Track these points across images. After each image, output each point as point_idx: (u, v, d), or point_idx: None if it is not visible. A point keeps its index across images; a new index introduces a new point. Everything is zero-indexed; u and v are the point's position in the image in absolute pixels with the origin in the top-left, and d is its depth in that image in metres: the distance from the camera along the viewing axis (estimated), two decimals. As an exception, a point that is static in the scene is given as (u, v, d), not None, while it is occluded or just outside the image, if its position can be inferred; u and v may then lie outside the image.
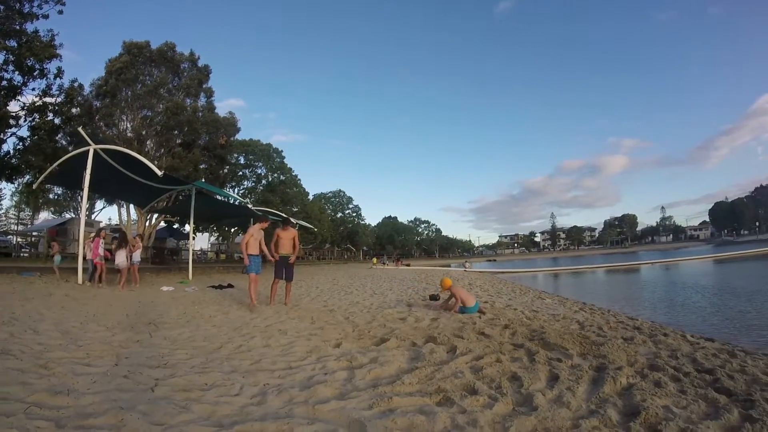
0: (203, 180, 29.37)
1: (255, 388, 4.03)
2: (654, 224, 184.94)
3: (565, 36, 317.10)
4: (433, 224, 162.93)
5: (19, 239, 32.81)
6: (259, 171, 54.92)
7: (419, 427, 3.14)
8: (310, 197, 72.19)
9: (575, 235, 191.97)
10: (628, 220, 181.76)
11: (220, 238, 57.59)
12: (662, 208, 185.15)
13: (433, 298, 11.85)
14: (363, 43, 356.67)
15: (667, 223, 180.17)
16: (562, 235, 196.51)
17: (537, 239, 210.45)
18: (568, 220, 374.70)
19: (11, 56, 21.94)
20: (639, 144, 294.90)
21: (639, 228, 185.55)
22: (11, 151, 24.56)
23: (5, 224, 57.08)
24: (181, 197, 24.51)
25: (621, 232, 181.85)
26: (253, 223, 10.40)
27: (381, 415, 3.37)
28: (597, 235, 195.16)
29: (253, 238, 10.14)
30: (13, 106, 23.64)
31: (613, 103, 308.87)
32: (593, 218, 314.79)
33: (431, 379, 4.30)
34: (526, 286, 20.98)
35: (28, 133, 24.83)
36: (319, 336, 6.59)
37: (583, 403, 3.66)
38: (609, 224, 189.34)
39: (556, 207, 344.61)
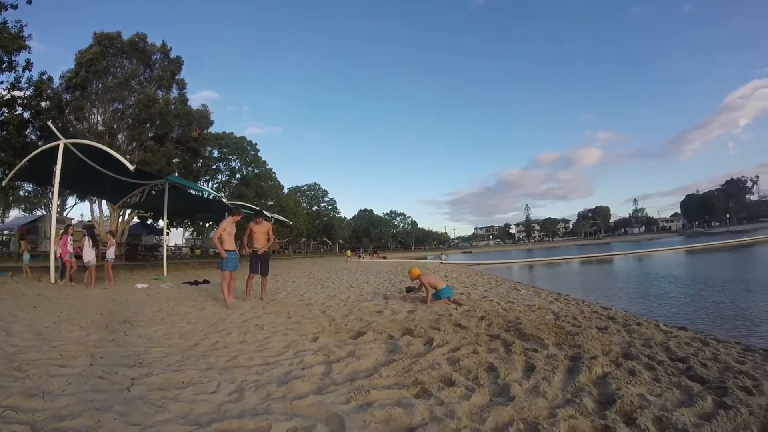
0: (176, 174, 29.05)
1: (232, 385, 4.01)
2: (627, 216, 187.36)
3: (542, 29, 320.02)
4: (409, 217, 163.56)
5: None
6: (234, 164, 54.35)
7: (397, 420, 3.15)
8: (285, 191, 71.85)
9: (550, 226, 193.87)
10: (602, 212, 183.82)
11: (195, 233, 57.07)
12: (635, 200, 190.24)
13: (409, 290, 11.87)
14: (338, 35, 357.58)
15: (640, 214, 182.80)
16: (537, 227, 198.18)
17: (512, 231, 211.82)
18: (542, 211, 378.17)
19: None
20: (614, 137, 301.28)
21: (612, 219, 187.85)
22: (-22, 147, 23.91)
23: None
24: (154, 192, 24.22)
25: (594, 223, 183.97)
26: (227, 217, 10.12)
27: (359, 409, 3.38)
28: (571, 226, 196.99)
29: (226, 233, 9.91)
30: None
31: (590, 96, 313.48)
32: (567, 210, 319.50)
33: (408, 371, 4.32)
34: (502, 278, 21.15)
35: None
36: (296, 330, 6.56)
37: (559, 392, 3.72)
38: (583, 216, 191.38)
39: (531, 199, 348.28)
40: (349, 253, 65.41)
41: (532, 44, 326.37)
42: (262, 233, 10.53)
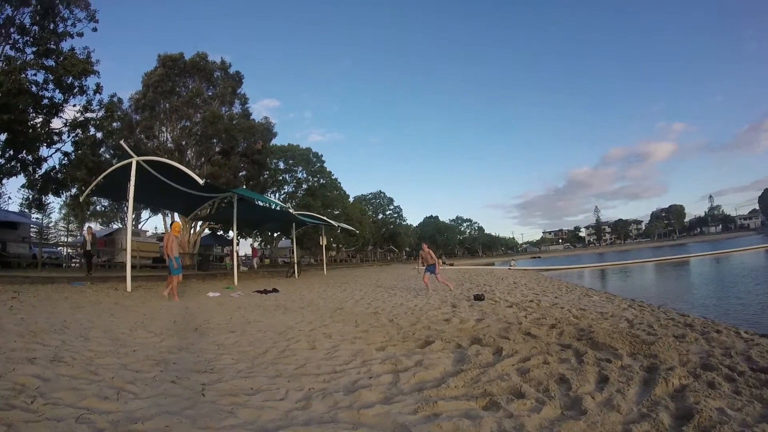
0: (244, 186, 29.81)
1: (300, 393, 4.04)
2: (702, 214, 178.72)
3: (605, 17, 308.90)
4: (476, 222, 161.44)
5: (69, 250, 33.80)
6: (299, 175, 55.35)
7: (465, 432, 3.10)
8: (351, 199, 72.49)
9: (621, 228, 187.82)
10: (676, 211, 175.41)
11: (263, 243, 58.23)
12: (710, 197, 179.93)
13: (478, 298, 11.75)
14: (399, 35, 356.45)
15: (716, 212, 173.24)
16: (608, 229, 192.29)
17: (582, 234, 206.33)
18: (613, 212, 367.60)
19: (50, 75, 22.70)
20: (686, 128, 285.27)
21: (686, 219, 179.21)
22: (57, 166, 25.43)
23: (55, 236, 58.86)
24: (223, 204, 24.94)
25: (668, 224, 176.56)
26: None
27: (426, 420, 3.33)
28: (643, 227, 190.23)
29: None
30: (56, 123, 24.51)
31: (658, 84, 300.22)
32: (639, 210, 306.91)
33: (477, 382, 4.24)
34: (572, 284, 20.64)
35: (71, 148, 25.65)
36: (364, 339, 6.58)
37: (634, 406, 3.55)
38: (656, 216, 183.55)
39: (601, 199, 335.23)
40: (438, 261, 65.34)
41: (594, 33, 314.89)
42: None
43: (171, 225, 13.19)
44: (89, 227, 22.33)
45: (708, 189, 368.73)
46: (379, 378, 4.50)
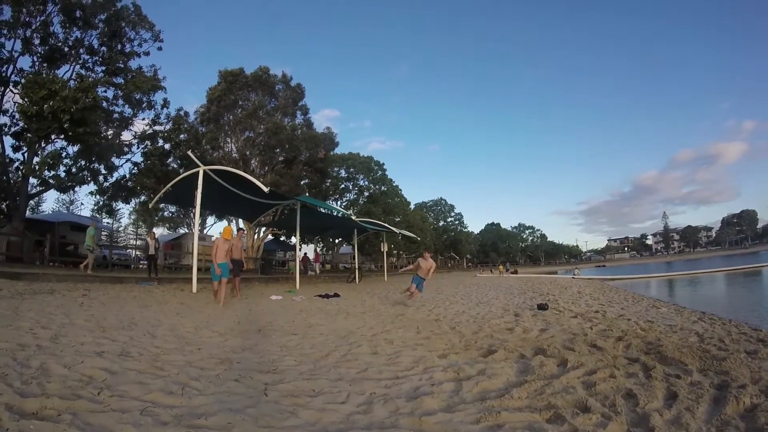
0: (307, 194, 30.31)
1: (361, 397, 4.10)
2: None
3: (669, 15, 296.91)
4: (538, 230, 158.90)
5: (137, 253, 35.16)
6: (361, 183, 55.94)
7: (529, 445, 3.07)
8: (412, 206, 72.60)
9: (690, 236, 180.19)
10: (747, 217, 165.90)
11: (325, 248, 58.94)
12: None
13: (541, 307, 11.58)
14: (454, 39, 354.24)
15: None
16: (676, 237, 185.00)
17: (648, 242, 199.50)
18: (682, 219, 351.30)
19: (120, 92, 23.99)
20: (758, 126, 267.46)
21: (760, 225, 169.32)
22: (127, 175, 26.97)
23: (125, 239, 61.33)
24: (286, 211, 25.43)
25: (740, 230, 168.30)
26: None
27: (488, 430, 3.33)
28: (714, 234, 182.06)
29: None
30: (126, 136, 26.28)
31: (724, 79, 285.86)
32: (710, 216, 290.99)
33: (541, 393, 4.18)
34: (639, 294, 19.96)
35: (141, 159, 27.22)
36: (425, 346, 6.58)
37: (703, 425, 3.42)
38: (726, 222, 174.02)
39: (669, 205, 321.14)
40: (500, 267, 65.52)
41: (666, 25, 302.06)
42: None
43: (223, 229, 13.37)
44: (152, 232, 23.25)
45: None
46: (441, 386, 4.50)
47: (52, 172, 22.08)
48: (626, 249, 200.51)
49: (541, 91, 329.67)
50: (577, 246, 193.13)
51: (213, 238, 42.81)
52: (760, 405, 3.72)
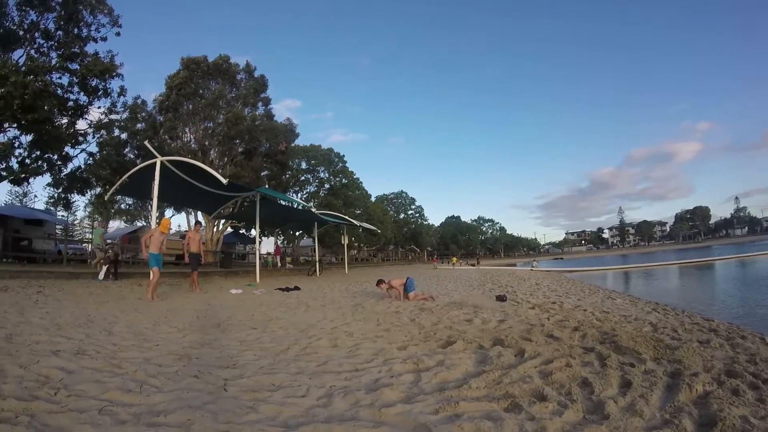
0: (266, 186, 30.07)
1: (321, 390, 4.07)
2: (728, 216, 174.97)
3: (630, 14, 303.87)
4: (498, 222, 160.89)
5: (93, 247, 34.49)
6: (321, 175, 55.75)
7: (486, 434, 3.09)
8: (373, 199, 72.68)
9: (645, 230, 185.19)
10: (700, 213, 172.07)
11: (285, 241, 58.61)
12: (736, 198, 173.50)
13: (500, 298, 11.70)
14: (417, 31, 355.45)
15: (742, 214, 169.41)
16: (631, 231, 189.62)
17: (605, 235, 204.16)
18: (638, 214, 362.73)
19: (75, 78, 23.23)
20: (712, 127, 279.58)
21: (712, 221, 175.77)
22: (82, 166, 26.03)
23: (80, 233, 59.95)
24: (246, 203, 25.21)
25: (693, 225, 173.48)
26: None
27: (447, 420, 3.33)
28: (668, 229, 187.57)
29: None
30: (81, 124, 25.21)
31: (682, 82, 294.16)
32: (664, 212, 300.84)
33: (499, 383, 4.22)
34: (595, 286, 20.35)
35: (96, 149, 26.31)
36: (385, 338, 6.59)
37: (657, 411, 3.50)
38: (680, 218, 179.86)
39: (625, 200, 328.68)
40: (455, 259, 66.22)
41: (616, 28, 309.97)
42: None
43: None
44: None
45: (734, 190, 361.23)
46: (401, 377, 4.51)
47: (4, 164, 21.37)
48: (583, 242, 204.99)
49: (502, 87, 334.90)
50: (535, 239, 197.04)
51: (172, 232, 42.31)
52: (712, 392, 3.82)
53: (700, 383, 4.02)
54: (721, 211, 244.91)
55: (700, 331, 7.13)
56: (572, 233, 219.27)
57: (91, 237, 19.92)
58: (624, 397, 3.80)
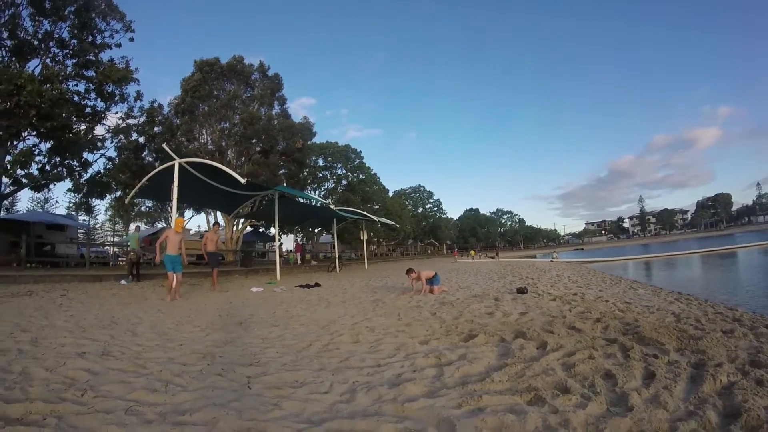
0: (284, 184, 30.19)
1: (344, 386, 4.10)
2: (750, 203, 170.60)
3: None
4: (516, 214, 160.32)
5: (115, 249, 34.77)
6: (339, 172, 55.93)
7: (510, 428, 3.08)
8: (390, 194, 72.67)
9: (666, 218, 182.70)
10: (722, 200, 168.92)
11: (305, 239, 58.84)
12: (758, 184, 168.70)
13: (521, 291, 11.65)
14: (431, 27, 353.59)
15: (764, 201, 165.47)
16: (652, 220, 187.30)
17: (625, 225, 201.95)
18: (659, 202, 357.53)
19: (91, 85, 23.50)
20: (734, 112, 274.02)
21: (734, 208, 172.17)
22: (101, 171, 26.43)
23: (102, 236, 60.74)
24: (264, 202, 25.35)
25: (715, 213, 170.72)
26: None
27: (470, 414, 3.33)
28: (689, 217, 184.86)
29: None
30: (100, 130, 25.70)
31: (703, 66, 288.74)
32: (685, 200, 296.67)
33: (521, 376, 4.21)
34: (617, 276, 20.16)
35: (115, 153, 26.92)
36: (407, 333, 6.59)
37: (681, 403, 3.47)
38: (701, 205, 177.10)
39: (645, 189, 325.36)
40: (472, 252, 65.93)
41: (632, 18, 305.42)
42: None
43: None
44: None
45: (756, 176, 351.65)
46: (423, 372, 4.51)
47: (25, 171, 21.70)
48: (603, 232, 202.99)
49: (519, 79, 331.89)
50: (555, 230, 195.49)
51: (191, 232, 42.72)
52: (736, 383, 3.77)
53: (724, 374, 3.97)
54: (743, 197, 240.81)
55: (723, 321, 7.03)
56: (592, 223, 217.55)
57: (128, 243, 20.14)
58: (648, 388, 3.76)
